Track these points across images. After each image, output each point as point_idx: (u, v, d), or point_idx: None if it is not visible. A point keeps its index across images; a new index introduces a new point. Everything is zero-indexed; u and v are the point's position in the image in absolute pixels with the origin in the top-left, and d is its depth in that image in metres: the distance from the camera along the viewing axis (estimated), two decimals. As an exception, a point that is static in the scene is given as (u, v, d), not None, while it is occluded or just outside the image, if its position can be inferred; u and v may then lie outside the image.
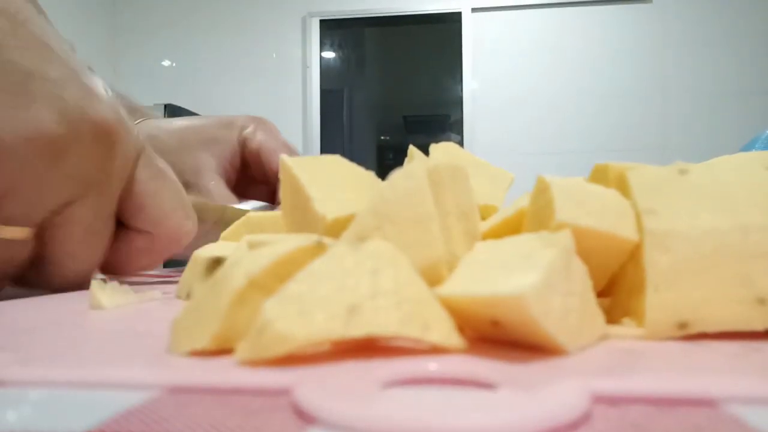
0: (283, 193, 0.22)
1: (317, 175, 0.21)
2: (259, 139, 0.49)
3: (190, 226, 0.30)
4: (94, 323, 0.19)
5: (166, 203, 0.28)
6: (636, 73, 2.82)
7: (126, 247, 0.29)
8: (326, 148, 3.03)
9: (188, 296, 0.24)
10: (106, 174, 0.26)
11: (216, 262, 0.23)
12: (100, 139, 0.25)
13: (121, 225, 0.29)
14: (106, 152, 0.25)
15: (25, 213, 0.24)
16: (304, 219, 0.20)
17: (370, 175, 0.23)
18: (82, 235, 0.26)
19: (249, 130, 0.50)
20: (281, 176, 0.22)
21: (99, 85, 0.25)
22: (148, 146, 0.28)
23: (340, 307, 0.12)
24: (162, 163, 0.30)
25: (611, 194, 0.17)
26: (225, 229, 0.29)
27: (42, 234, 0.26)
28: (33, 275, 0.27)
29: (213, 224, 0.37)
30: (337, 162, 0.22)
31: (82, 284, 0.28)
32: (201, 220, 0.34)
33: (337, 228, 0.19)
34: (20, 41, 0.23)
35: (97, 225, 0.27)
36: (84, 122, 0.24)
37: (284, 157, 0.22)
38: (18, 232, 0.24)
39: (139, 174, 0.28)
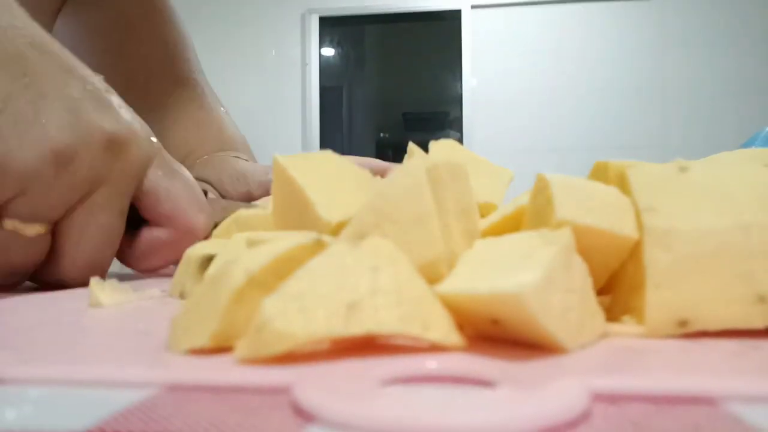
0: (275, 194, 0.22)
1: (313, 175, 0.21)
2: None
3: (203, 219, 0.33)
4: (93, 321, 0.19)
5: (180, 198, 0.32)
6: (636, 70, 2.81)
7: (148, 239, 0.33)
8: (325, 145, 3.02)
9: (181, 295, 0.24)
10: (116, 173, 0.29)
11: (208, 260, 0.23)
12: (110, 146, 0.28)
13: (144, 222, 0.33)
14: (115, 155, 0.29)
15: (38, 212, 0.27)
16: (302, 220, 0.20)
17: (364, 172, 0.23)
18: (95, 230, 0.29)
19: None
20: (274, 176, 0.22)
21: (113, 102, 0.30)
22: (163, 151, 0.33)
23: (340, 304, 0.12)
24: (177, 165, 0.34)
25: (611, 192, 0.17)
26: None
27: (56, 231, 0.29)
28: (48, 270, 0.30)
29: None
30: (329, 159, 0.22)
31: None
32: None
33: (337, 228, 0.19)
34: (43, 67, 0.28)
35: (109, 220, 0.30)
36: (93, 133, 0.28)
37: (278, 156, 0.21)
38: (32, 229, 0.27)
39: (153, 173, 0.32)
